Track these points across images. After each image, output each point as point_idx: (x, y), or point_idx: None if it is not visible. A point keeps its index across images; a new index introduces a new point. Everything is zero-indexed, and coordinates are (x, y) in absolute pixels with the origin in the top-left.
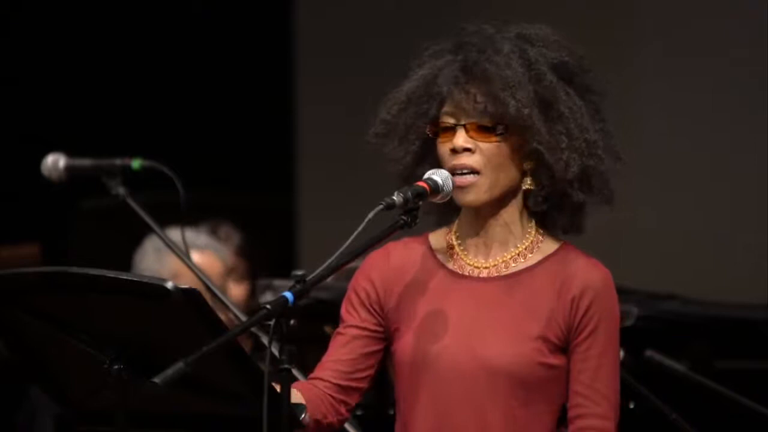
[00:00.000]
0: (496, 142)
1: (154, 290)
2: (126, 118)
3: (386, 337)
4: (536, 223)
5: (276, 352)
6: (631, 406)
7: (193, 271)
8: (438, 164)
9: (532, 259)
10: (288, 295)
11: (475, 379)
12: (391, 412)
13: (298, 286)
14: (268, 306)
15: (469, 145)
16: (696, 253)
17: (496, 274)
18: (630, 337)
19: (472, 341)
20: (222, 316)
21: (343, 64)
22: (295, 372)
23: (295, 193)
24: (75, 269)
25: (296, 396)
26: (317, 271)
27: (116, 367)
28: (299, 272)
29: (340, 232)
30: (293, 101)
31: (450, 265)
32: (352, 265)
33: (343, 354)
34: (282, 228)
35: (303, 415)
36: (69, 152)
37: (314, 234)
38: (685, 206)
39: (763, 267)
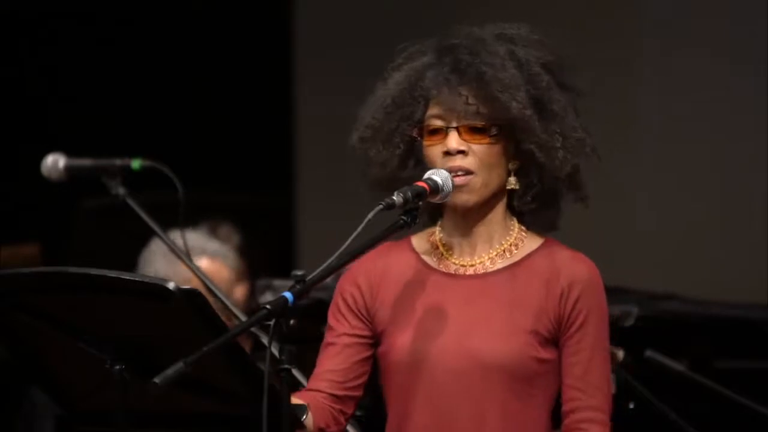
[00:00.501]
0: (488, 143)
1: (155, 291)
2: (126, 118)
3: (376, 341)
4: (517, 221)
5: (276, 352)
6: (631, 406)
7: (194, 272)
8: (422, 167)
9: (517, 255)
10: (288, 295)
11: (470, 375)
12: None
13: (298, 286)
14: (268, 306)
15: (463, 147)
16: (696, 253)
17: (482, 272)
18: (630, 337)
19: (464, 338)
20: (224, 318)
21: (342, 64)
22: (294, 372)
23: (295, 193)
24: (75, 269)
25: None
26: (317, 271)
27: (117, 367)
28: (299, 272)
29: (340, 232)
30: (293, 101)
31: (435, 266)
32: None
33: (336, 364)
34: (282, 228)
35: (305, 416)
36: (69, 152)
37: (314, 234)
38: (684, 206)
39: (763, 267)
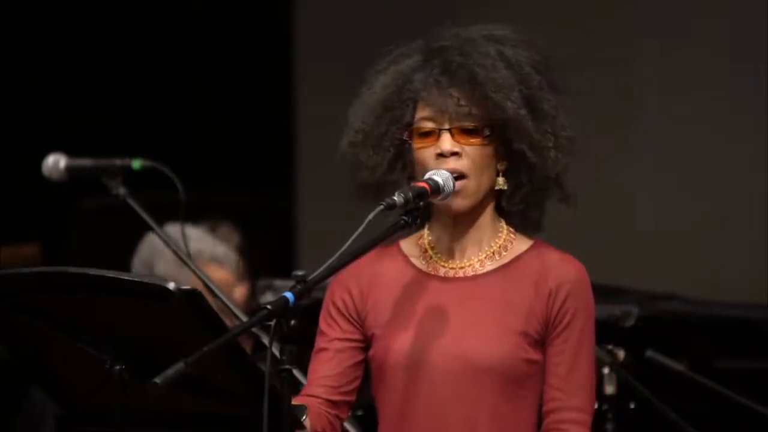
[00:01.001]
0: (480, 144)
1: (155, 291)
2: (126, 118)
3: (368, 345)
4: (505, 222)
5: (276, 353)
6: (632, 406)
7: (194, 272)
8: (411, 169)
9: (507, 257)
10: (288, 295)
11: (462, 377)
12: None
13: (298, 287)
14: (269, 306)
15: (456, 149)
16: (696, 253)
17: (472, 274)
18: (630, 337)
19: (455, 341)
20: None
21: (342, 64)
22: (295, 372)
23: (295, 193)
24: (75, 269)
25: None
26: (318, 271)
27: (117, 367)
28: (300, 272)
29: (340, 232)
30: (293, 101)
31: (425, 269)
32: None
33: (330, 369)
34: (282, 228)
35: (304, 417)
36: (69, 152)
37: (314, 234)
38: (684, 206)
39: (763, 267)
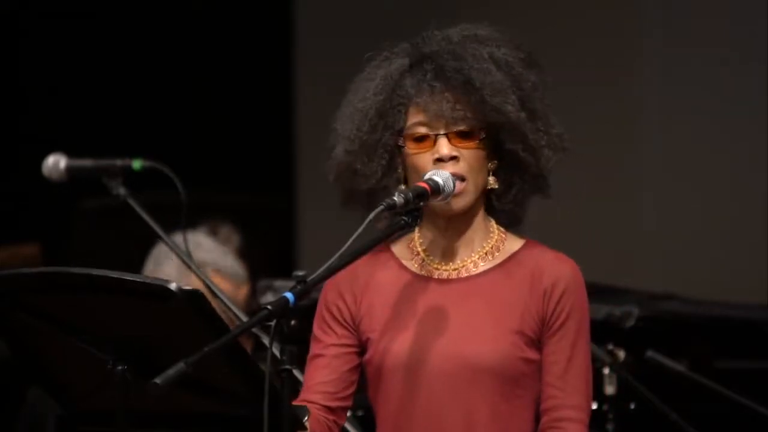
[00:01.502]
0: (476, 147)
1: (156, 291)
2: (126, 118)
3: (363, 350)
4: (495, 221)
5: (277, 353)
6: (632, 406)
7: (194, 272)
8: (405, 175)
9: (500, 257)
10: (289, 295)
11: (460, 378)
12: None
13: (299, 287)
14: (269, 307)
15: (455, 153)
16: (696, 253)
17: (466, 275)
18: (630, 337)
19: (452, 342)
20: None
21: (343, 64)
22: (295, 372)
23: (295, 193)
24: (76, 269)
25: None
26: (318, 271)
27: (119, 367)
28: (300, 273)
29: (340, 232)
30: (293, 101)
31: (418, 271)
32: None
33: (327, 375)
34: (282, 228)
35: (306, 418)
36: (70, 153)
37: (314, 234)
38: (684, 206)
39: (763, 267)
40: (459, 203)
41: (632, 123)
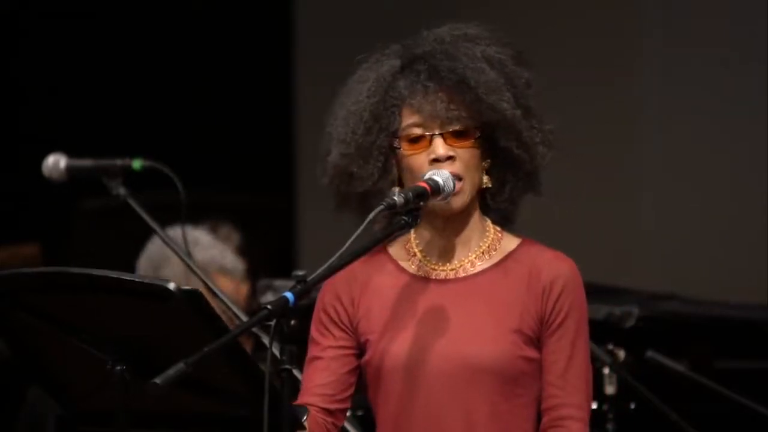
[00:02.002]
0: (471, 146)
1: (156, 291)
2: (126, 118)
3: (361, 352)
4: (491, 220)
5: (277, 353)
6: (632, 406)
7: (194, 272)
8: (400, 176)
9: (496, 256)
10: (289, 295)
11: (459, 378)
12: None
13: (299, 287)
14: (269, 306)
15: (451, 153)
16: (696, 253)
17: (463, 275)
18: (630, 337)
19: (451, 342)
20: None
21: (343, 64)
22: (295, 372)
23: (295, 193)
24: (75, 269)
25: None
26: (318, 271)
27: (118, 367)
28: (300, 272)
29: (339, 232)
30: (293, 101)
31: (415, 272)
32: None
33: (325, 377)
34: (282, 228)
35: (305, 418)
36: (70, 152)
37: (314, 234)
38: (685, 206)
39: (763, 267)
40: (457, 202)
41: (632, 123)
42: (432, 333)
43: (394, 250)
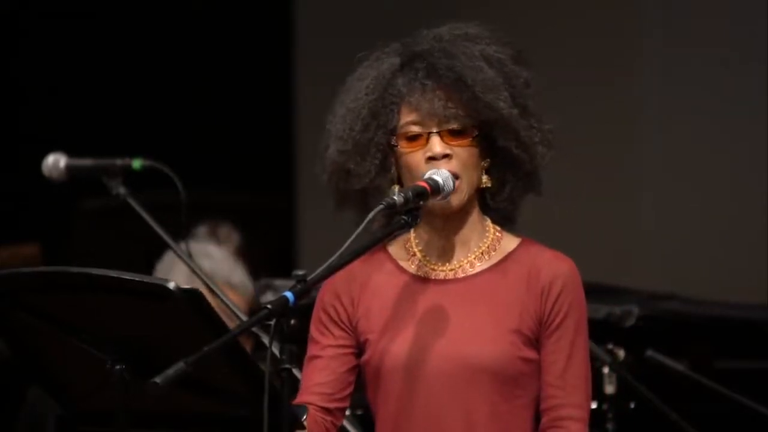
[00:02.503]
0: (469, 145)
1: (155, 291)
2: (126, 118)
3: (360, 351)
4: (491, 220)
5: (277, 352)
6: (632, 406)
7: (194, 271)
8: (398, 173)
9: (496, 256)
10: (289, 295)
11: (459, 378)
12: None
13: (299, 286)
14: (269, 306)
15: (448, 151)
16: (696, 253)
17: (462, 275)
18: (630, 337)
19: (450, 342)
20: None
21: (343, 64)
22: (295, 372)
23: (295, 192)
24: (75, 269)
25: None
26: (318, 271)
27: (118, 367)
28: (300, 272)
29: (339, 231)
30: (293, 101)
31: (415, 272)
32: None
33: (324, 377)
34: (282, 228)
35: (305, 417)
36: (70, 152)
37: (314, 234)
38: (685, 206)
39: (763, 267)
40: (454, 200)
41: (632, 123)
42: (431, 333)
43: (394, 249)
